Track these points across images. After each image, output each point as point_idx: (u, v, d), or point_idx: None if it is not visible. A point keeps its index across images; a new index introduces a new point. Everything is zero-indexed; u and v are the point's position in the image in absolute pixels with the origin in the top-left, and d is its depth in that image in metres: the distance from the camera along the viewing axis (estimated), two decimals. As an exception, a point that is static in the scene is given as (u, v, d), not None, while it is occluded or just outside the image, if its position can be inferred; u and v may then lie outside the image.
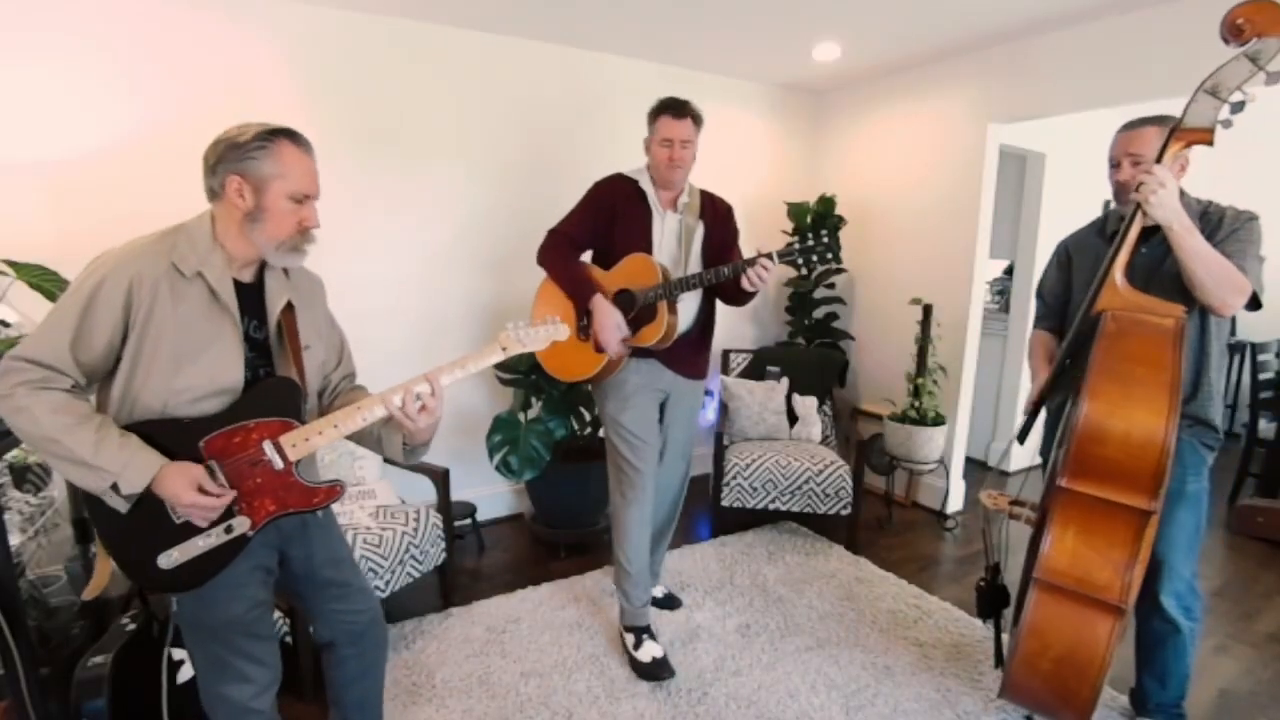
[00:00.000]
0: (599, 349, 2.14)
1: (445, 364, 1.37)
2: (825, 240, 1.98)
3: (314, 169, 1.29)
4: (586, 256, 2.27)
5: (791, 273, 3.86)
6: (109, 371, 1.22)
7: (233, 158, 1.21)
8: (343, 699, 1.60)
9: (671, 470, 2.40)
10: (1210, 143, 1.49)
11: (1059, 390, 1.75)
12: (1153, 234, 1.59)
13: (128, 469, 1.14)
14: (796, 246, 2.01)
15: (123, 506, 1.18)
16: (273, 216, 1.24)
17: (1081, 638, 1.50)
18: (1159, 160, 1.52)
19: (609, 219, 2.19)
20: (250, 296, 1.31)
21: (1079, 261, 1.87)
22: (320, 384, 1.48)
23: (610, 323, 2.09)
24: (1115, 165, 1.70)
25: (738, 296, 2.11)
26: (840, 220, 3.70)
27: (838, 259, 2.01)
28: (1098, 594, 1.49)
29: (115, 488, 1.15)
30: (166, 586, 1.26)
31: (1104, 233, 1.82)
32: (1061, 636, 1.52)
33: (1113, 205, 1.83)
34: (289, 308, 1.35)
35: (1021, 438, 1.88)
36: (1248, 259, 1.55)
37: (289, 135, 1.25)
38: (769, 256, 1.97)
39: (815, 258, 1.99)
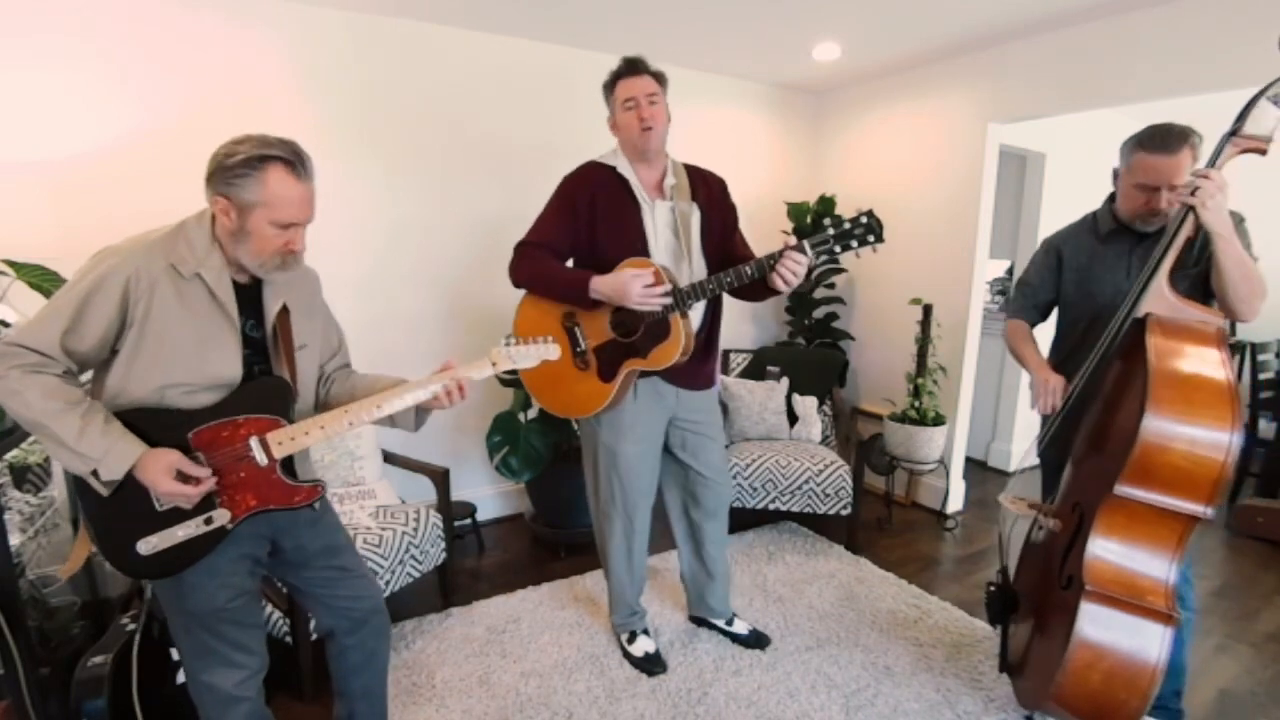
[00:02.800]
0: (605, 378, 1.91)
1: (434, 374, 1.40)
2: (865, 220, 1.67)
3: (305, 195, 1.25)
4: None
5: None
6: (104, 360, 1.25)
7: (220, 179, 1.21)
8: (347, 689, 1.61)
9: (717, 494, 2.17)
10: (1264, 152, 1.47)
11: (1081, 393, 1.71)
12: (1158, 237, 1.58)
13: (108, 455, 1.17)
14: (831, 232, 1.70)
15: (103, 491, 1.21)
16: (256, 239, 1.24)
17: (1134, 647, 1.46)
18: (1213, 164, 1.49)
19: (588, 216, 1.90)
20: (248, 296, 1.33)
21: (1071, 262, 1.86)
22: (317, 379, 1.50)
23: (631, 288, 1.75)
24: (1151, 190, 1.64)
25: (759, 292, 1.86)
26: (840, 218, 3.69)
27: (880, 237, 1.69)
28: (1147, 601, 1.46)
29: (96, 474, 1.18)
30: (144, 572, 1.30)
31: (1097, 233, 1.81)
32: (1114, 647, 1.47)
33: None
34: (284, 310, 1.37)
35: (1053, 442, 1.81)
36: None
37: (283, 160, 1.21)
38: (799, 249, 1.71)
39: (855, 241, 1.69)
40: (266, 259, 1.27)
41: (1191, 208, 1.47)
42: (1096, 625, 1.48)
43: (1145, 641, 1.46)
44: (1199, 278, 1.62)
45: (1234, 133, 1.48)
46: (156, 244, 1.24)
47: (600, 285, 1.82)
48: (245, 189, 1.20)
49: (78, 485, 1.25)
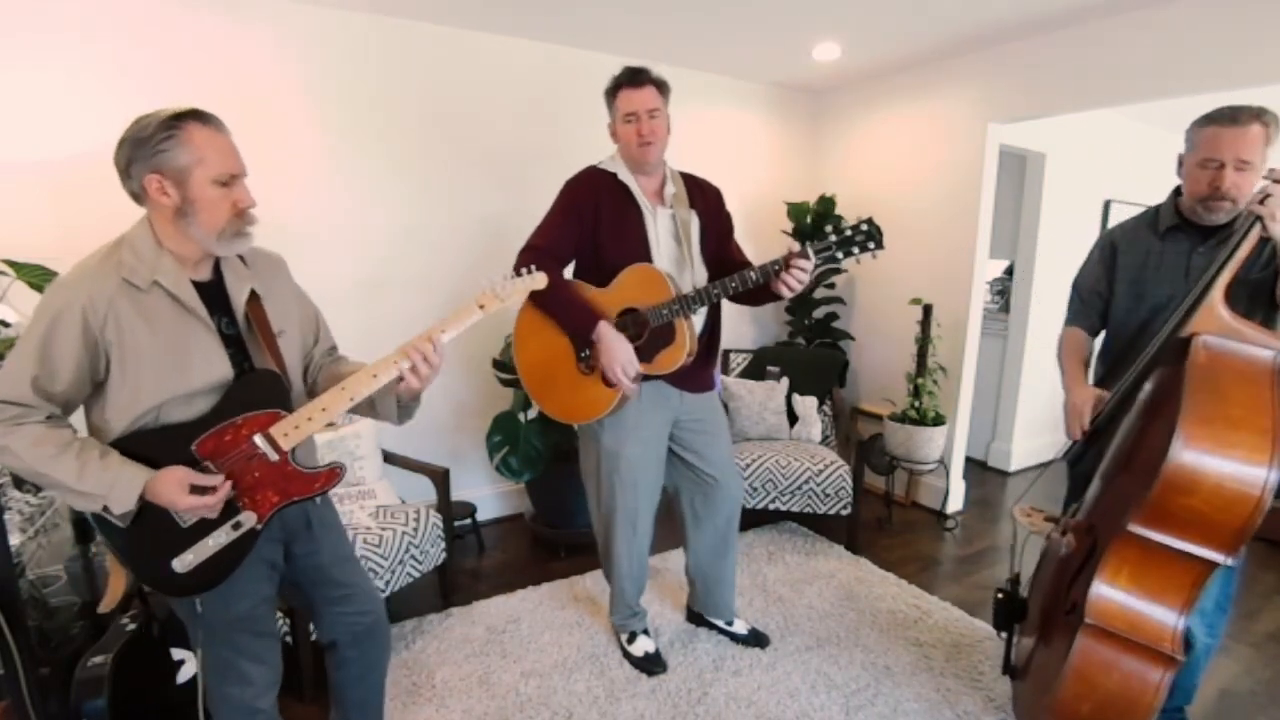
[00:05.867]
0: (609, 382, 1.88)
1: (433, 324, 1.35)
2: (866, 227, 1.69)
3: (231, 145, 1.22)
4: (568, 272, 2.02)
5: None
6: (89, 396, 1.21)
7: (143, 155, 1.15)
8: (344, 699, 1.61)
9: (726, 492, 2.17)
10: None
11: (1119, 408, 1.61)
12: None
13: (114, 489, 1.15)
14: (833, 238, 1.73)
15: (120, 524, 1.19)
16: (204, 207, 1.18)
17: (1129, 685, 1.40)
18: None
19: (592, 221, 1.91)
20: (213, 294, 1.28)
21: (1126, 258, 1.72)
22: (303, 364, 1.47)
23: (621, 358, 1.80)
24: (1216, 167, 1.49)
25: (759, 297, 1.86)
26: (840, 220, 3.70)
27: (880, 244, 1.71)
28: (1150, 642, 1.38)
29: (108, 509, 1.16)
30: (188, 589, 1.27)
31: (1156, 228, 1.67)
32: (1108, 683, 1.41)
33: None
34: (254, 297, 1.32)
35: (1075, 462, 1.75)
36: None
37: (195, 116, 1.18)
38: (804, 255, 1.72)
39: (856, 248, 1.71)
40: (224, 227, 1.21)
41: (1260, 217, 1.33)
42: (1092, 661, 1.42)
43: (1142, 682, 1.39)
44: (1262, 285, 1.46)
45: None
46: (102, 264, 1.18)
47: (603, 338, 1.83)
48: (174, 154, 1.15)
49: (98, 523, 1.23)
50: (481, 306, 1.38)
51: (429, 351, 1.33)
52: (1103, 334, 1.84)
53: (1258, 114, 1.46)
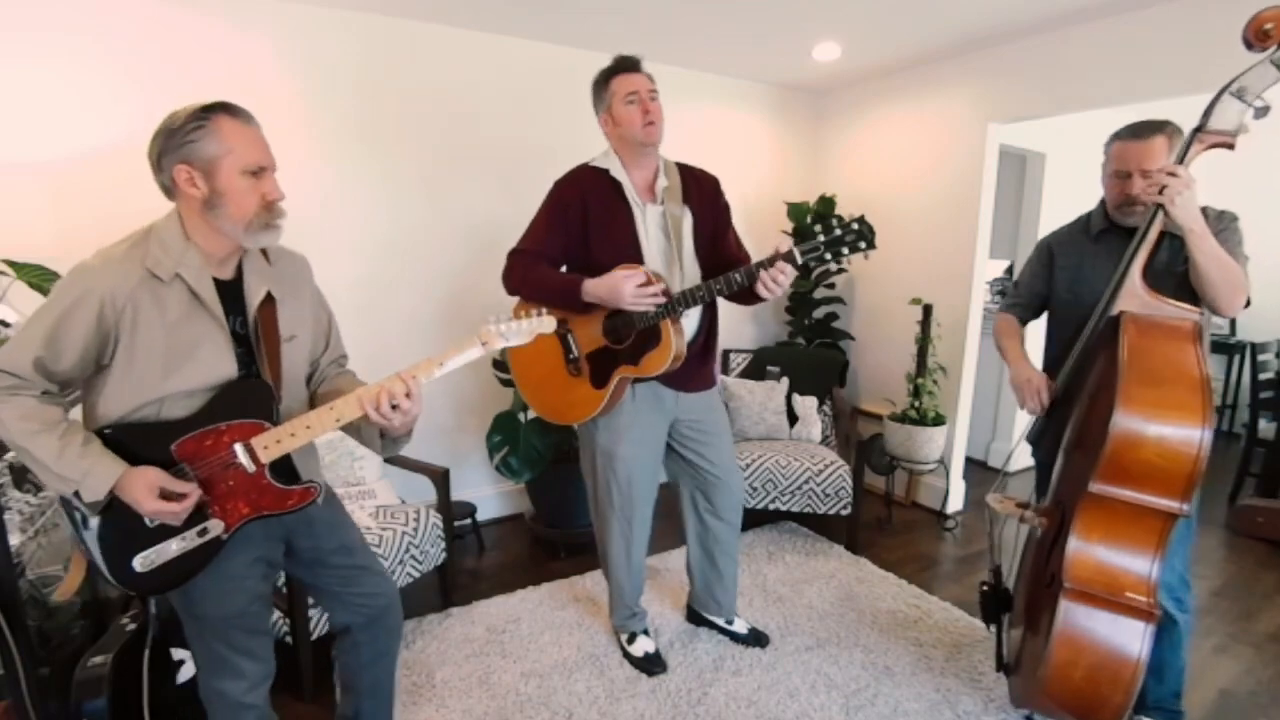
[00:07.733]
0: (597, 384, 1.92)
1: (422, 361, 1.30)
2: (857, 226, 1.65)
3: (261, 138, 1.24)
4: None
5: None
6: (91, 377, 1.22)
7: (173, 146, 1.17)
8: (355, 684, 1.60)
9: (728, 491, 2.16)
10: (1232, 147, 1.47)
11: (1067, 390, 1.75)
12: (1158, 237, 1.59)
13: (89, 476, 1.15)
14: (822, 239, 1.67)
15: (89, 513, 1.19)
16: (232, 198, 1.19)
17: (1115, 644, 1.47)
18: (1180, 162, 1.49)
19: (580, 221, 1.90)
20: (232, 293, 1.28)
21: (1062, 261, 1.88)
22: (309, 370, 1.46)
23: (624, 286, 1.74)
24: (1125, 177, 1.67)
25: (751, 297, 1.81)
26: (831, 220, 3.69)
27: (872, 244, 1.65)
28: (1127, 598, 1.47)
29: (79, 495, 1.16)
30: (146, 588, 1.27)
31: (1089, 232, 1.83)
32: (1094, 642, 1.48)
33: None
34: (269, 300, 1.32)
35: (1035, 442, 1.89)
36: (1237, 259, 1.58)
37: (225, 109, 1.20)
38: (789, 258, 1.69)
39: (846, 248, 1.66)
40: (252, 218, 1.21)
41: (1161, 205, 1.49)
42: (1076, 622, 1.49)
43: (1126, 638, 1.46)
44: (1185, 277, 1.62)
45: (1200, 129, 1.48)
46: (128, 254, 1.19)
47: (593, 288, 1.82)
48: (203, 145, 1.16)
49: (66, 508, 1.23)
50: (484, 343, 1.33)
51: (398, 395, 1.25)
52: (1046, 327, 1.98)
53: (1160, 127, 1.62)
